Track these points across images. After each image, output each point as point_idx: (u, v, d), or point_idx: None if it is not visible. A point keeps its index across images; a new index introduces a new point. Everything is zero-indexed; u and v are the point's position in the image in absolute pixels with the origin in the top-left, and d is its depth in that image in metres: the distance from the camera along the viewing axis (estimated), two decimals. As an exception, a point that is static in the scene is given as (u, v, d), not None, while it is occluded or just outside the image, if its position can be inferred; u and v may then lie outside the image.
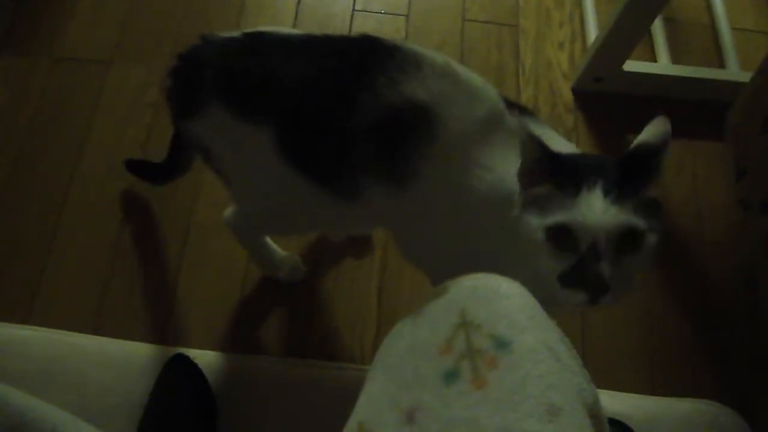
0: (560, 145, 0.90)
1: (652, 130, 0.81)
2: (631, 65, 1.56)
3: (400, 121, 0.91)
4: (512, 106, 0.94)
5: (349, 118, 0.92)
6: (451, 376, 0.55)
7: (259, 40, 0.98)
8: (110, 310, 1.30)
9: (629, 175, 0.78)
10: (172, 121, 1.09)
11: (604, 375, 1.25)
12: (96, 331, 1.27)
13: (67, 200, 1.40)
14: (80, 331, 1.26)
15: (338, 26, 1.64)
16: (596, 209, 0.75)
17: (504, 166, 0.87)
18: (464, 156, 0.90)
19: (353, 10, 1.67)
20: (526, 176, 0.81)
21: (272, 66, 0.95)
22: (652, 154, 0.79)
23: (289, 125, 0.96)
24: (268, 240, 1.31)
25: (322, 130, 0.95)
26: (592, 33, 1.63)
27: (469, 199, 0.91)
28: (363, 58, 0.93)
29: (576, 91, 1.60)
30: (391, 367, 0.60)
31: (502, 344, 0.55)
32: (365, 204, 1.00)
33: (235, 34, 1.00)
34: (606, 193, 0.76)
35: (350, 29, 1.63)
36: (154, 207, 1.41)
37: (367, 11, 1.67)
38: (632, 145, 0.82)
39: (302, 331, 1.30)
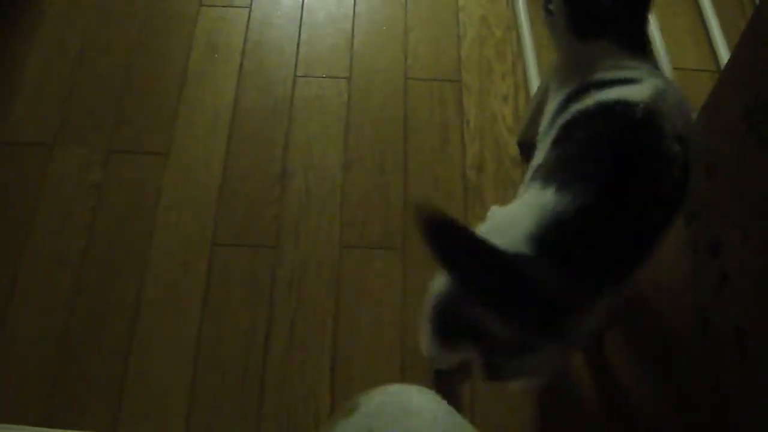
0: None
1: None
2: (574, 114, 1.56)
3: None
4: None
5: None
6: None
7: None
8: (61, 398, 1.27)
9: None
10: None
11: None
12: (48, 421, 1.24)
13: (15, 286, 1.38)
14: (31, 423, 1.23)
15: (280, 93, 1.64)
16: None
17: None
18: None
19: (295, 76, 1.67)
20: None
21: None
22: None
23: None
24: None
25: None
26: (535, 83, 1.64)
27: None
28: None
29: (522, 145, 1.58)
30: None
31: (405, 472, 0.54)
32: None
33: None
34: None
35: (292, 95, 1.63)
36: (101, 288, 1.39)
37: (309, 76, 1.67)
38: None
39: (255, 408, 1.28)
